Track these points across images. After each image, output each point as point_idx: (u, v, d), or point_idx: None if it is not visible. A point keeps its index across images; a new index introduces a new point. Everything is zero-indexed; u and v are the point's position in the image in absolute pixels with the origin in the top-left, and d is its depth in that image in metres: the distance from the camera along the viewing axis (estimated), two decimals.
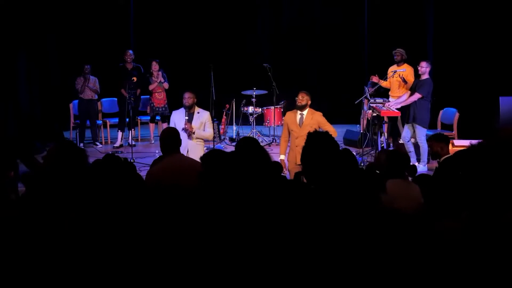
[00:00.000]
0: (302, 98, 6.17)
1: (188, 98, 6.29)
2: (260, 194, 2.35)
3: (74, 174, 3.18)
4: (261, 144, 3.96)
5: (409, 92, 8.14)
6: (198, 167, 3.42)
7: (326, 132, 2.51)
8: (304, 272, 1.89)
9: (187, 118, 6.25)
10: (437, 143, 5.28)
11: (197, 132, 6.27)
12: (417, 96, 7.76)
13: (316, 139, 2.40)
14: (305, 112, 6.17)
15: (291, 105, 9.47)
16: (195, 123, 6.31)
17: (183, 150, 6.29)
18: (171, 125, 6.46)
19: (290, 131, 6.20)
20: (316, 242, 1.87)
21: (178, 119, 6.37)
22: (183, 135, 6.31)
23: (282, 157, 6.14)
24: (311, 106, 6.35)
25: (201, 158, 3.04)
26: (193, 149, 6.26)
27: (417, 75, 8.10)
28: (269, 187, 2.45)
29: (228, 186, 2.44)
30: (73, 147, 3.69)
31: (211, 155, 3.00)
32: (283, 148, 6.26)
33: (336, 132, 6.13)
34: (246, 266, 2.08)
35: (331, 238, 1.84)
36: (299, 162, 5.97)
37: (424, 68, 7.80)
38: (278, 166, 4.13)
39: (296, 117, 6.20)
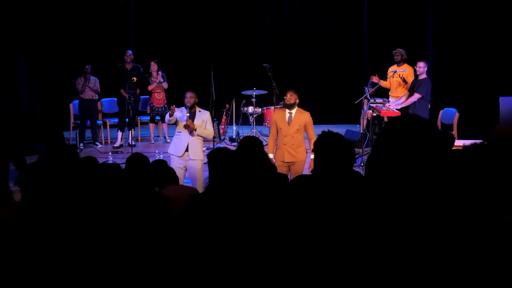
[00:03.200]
0: (291, 97, 6.20)
1: (189, 97, 6.31)
2: (263, 192, 2.36)
3: (67, 174, 3.18)
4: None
5: (407, 93, 8.14)
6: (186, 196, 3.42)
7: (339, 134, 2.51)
8: (307, 272, 1.89)
9: (188, 115, 6.27)
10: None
11: (199, 129, 6.30)
12: (416, 96, 7.76)
13: (329, 139, 2.40)
14: (293, 111, 6.22)
15: None
16: (196, 121, 6.34)
17: (183, 146, 6.32)
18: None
19: (278, 130, 6.24)
20: (320, 240, 1.87)
21: (179, 116, 6.39)
22: (184, 132, 6.33)
23: (271, 155, 6.17)
24: (302, 105, 6.40)
25: (208, 155, 3.07)
26: (193, 146, 6.28)
27: (416, 75, 8.11)
28: (270, 185, 2.47)
29: (233, 183, 2.45)
30: (66, 149, 3.69)
31: (217, 153, 3.02)
32: (272, 147, 6.25)
33: (315, 137, 6.20)
34: (251, 264, 2.08)
35: (335, 236, 1.84)
36: (286, 160, 6.02)
37: (422, 68, 7.82)
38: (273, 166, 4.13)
39: (285, 115, 6.23)
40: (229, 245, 2.22)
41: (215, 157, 2.99)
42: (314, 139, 6.16)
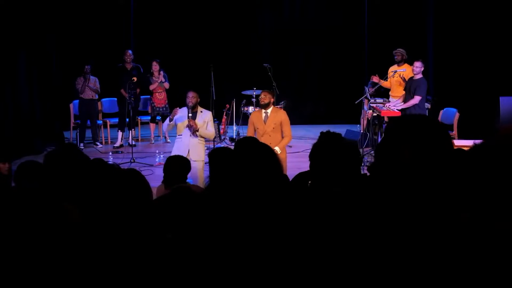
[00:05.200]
0: (265, 97, 6.38)
1: (191, 97, 6.32)
2: (266, 194, 2.35)
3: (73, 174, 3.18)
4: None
5: (403, 92, 8.16)
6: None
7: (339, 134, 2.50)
8: (307, 274, 1.88)
9: (190, 115, 6.27)
10: None
11: (201, 130, 6.30)
12: (417, 99, 7.78)
13: (328, 139, 2.38)
14: (269, 110, 6.38)
15: (291, 105, 9.48)
16: (199, 121, 6.35)
17: (184, 147, 6.32)
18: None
19: (256, 129, 6.40)
20: (322, 244, 1.87)
21: (180, 117, 6.39)
22: (186, 133, 6.33)
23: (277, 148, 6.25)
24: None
25: (209, 154, 3.06)
26: (194, 148, 6.29)
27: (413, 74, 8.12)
28: (273, 187, 2.45)
29: (234, 184, 2.44)
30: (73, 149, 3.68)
31: (218, 152, 3.02)
32: None
33: (291, 136, 6.42)
34: (251, 267, 2.08)
35: (337, 240, 1.84)
36: None
37: (419, 68, 7.84)
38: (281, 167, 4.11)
39: (261, 115, 6.40)
40: (228, 245, 2.22)
41: (216, 157, 2.99)
42: (289, 137, 6.33)
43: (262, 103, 6.37)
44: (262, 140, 6.23)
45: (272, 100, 6.41)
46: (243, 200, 2.31)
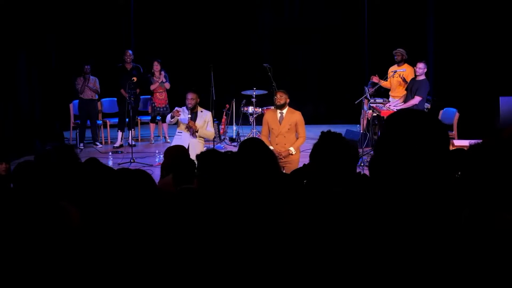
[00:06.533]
0: (281, 97, 6.34)
1: (191, 99, 6.33)
2: (261, 194, 2.35)
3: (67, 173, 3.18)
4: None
5: (403, 92, 8.16)
6: None
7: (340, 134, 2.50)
8: (305, 274, 1.88)
9: (189, 116, 6.28)
10: None
11: (200, 130, 6.31)
12: (417, 99, 7.78)
13: (329, 139, 2.38)
14: (284, 111, 6.35)
15: (291, 105, 9.42)
16: (198, 122, 6.35)
17: (183, 145, 6.34)
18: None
19: (270, 130, 6.37)
20: (319, 244, 1.87)
21: (180, 118, 6.40)
22: (185, 133, 6.34)
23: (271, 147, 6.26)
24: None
25: (197, 156, 3.05)
26: (193, 147, 6.29)
27: (415, 75, 8.12)
28: (270, 187, 2.45)
29: (224, 186, 2.43)
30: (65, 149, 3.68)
31: (207, 155, 3.01)
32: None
33: (305, 137, 6.38)
34: (245, 267, 2.08)
35: (334, 240, 1.83)
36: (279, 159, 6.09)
37: (422, 69, 7.85)
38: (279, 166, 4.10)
39: (276, 115, 6.36)
40: (227, 247, 2.22)
41: (205, 159, 2.97)
42: (304, 137, 6.30)
43: (278, 103, 6.32)
44: (277, 140, 6.20)
45: (287, 100, 6.36)
46: (240, 201, 2.31)
